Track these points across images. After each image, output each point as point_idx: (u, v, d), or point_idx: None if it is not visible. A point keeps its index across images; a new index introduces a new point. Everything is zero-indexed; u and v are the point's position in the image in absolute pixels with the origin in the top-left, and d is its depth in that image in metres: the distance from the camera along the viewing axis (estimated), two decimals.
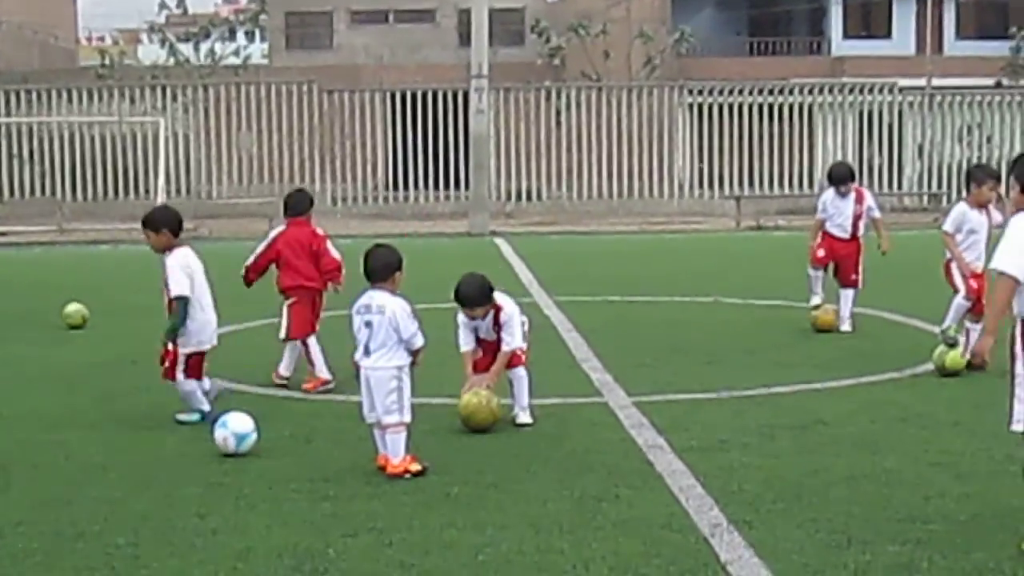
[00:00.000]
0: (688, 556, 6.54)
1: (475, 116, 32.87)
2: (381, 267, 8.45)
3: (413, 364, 8.42)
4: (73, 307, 15.43)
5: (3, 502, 7.81)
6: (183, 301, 9.91)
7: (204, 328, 10.08)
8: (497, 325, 9.69)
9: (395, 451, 8.25)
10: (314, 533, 7.02)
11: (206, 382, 10.15)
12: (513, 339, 9.67)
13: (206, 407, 10.01)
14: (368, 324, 8.31)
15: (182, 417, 10.01)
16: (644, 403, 10.37)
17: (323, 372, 11.33)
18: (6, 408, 10.78)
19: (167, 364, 9.91)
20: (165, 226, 10.04)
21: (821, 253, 14.57)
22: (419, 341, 8.40)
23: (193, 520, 7.33)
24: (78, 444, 9.34)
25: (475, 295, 9.61)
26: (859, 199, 14.56)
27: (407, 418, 8.31)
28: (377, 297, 8.35)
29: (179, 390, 9.96)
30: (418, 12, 60.62)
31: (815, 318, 14.28)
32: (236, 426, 8.93)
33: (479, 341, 9.85)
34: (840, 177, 14.69)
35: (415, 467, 8.21)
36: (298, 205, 11.89)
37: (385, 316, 8.29)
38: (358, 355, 8.39)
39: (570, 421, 9.83)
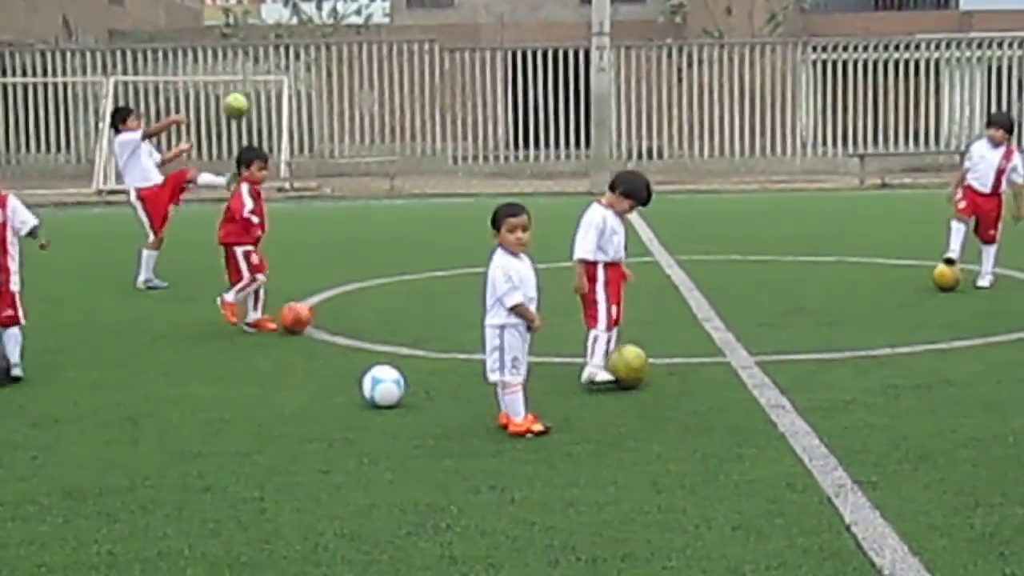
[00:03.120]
0: (812, 516, 6.50)
1: (596, 74, 32.71)
2: (492, 221, 8.44)
3: (530, 329, 8.38)
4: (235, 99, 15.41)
5: (133, 455, 7.96)
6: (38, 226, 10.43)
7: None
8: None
9: (514, 410, 8.26)
10: (436, 490, 7.06)
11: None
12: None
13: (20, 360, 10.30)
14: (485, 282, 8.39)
15: (19, 373, 10.16)
16: (766, 363, 10.30)
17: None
18: (135, 364, 10.98)
19: (12, 310, 10.23)
20: None
21: (963, 204, 14.40)
22: (509, 300, 8.26)
23: (317, 475, 7.42)
24: (204, 399, 9.49)
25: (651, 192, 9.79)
26: (1007, 156, 14.35)
27: (508, 377, 8.28)
28: (494, 254, 8.40)
29: (15, 337, 10.24)
30: None
31: (937, 273, 14.07)
32: (378, 371, 9.11)
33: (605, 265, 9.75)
34: (998, 120, 14.59)
35: (537, 427, 8.21)
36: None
37: (489, 274, 8.35)
38: None
39: (692, 380, 9.80)
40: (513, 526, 6.43)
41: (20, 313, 10.24)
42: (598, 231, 9.59)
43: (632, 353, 9.55)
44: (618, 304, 9.74)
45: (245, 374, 10.45)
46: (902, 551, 5.97)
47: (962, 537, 6.15)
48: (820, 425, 8.28)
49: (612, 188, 9.72)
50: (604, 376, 9.50)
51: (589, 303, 9.69)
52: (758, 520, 6.44)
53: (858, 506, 6.63)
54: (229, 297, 12.31)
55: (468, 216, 24.20)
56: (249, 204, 12.39)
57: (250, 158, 12.65)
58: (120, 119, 16.24)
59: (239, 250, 12.42)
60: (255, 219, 12.43)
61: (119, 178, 33.45)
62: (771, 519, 6.46)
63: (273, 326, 12.40)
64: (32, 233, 10.33)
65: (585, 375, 9.58)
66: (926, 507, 6.59)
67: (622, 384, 9.48)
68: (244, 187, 12.51)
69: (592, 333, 9.61)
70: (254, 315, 12.51)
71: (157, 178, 15.86)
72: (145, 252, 15.62)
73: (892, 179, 33.58)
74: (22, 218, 10.26)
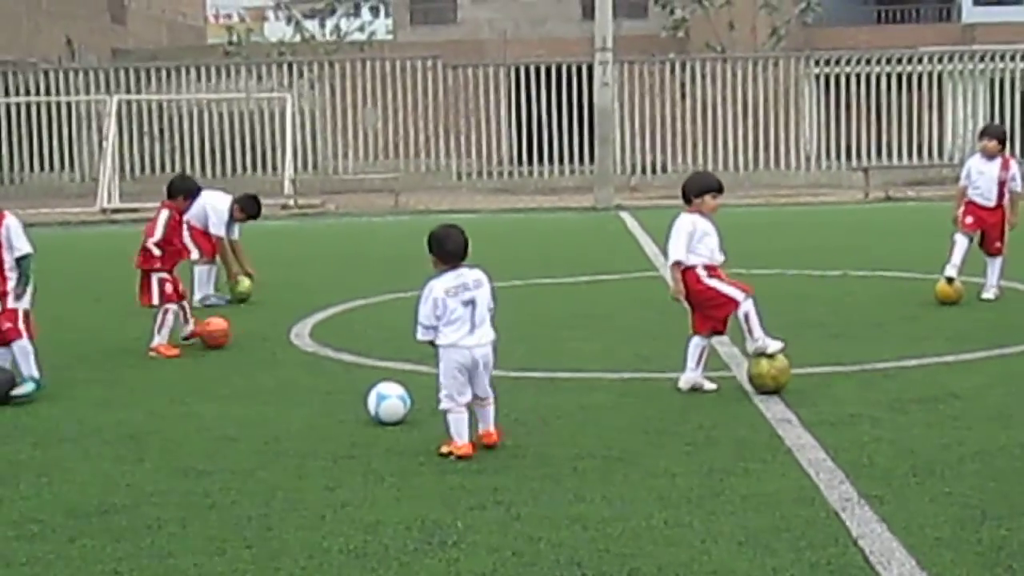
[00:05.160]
0: (818, 531, 6.47)
1: (599, 90, 32.75)
2: (465, 248, 8.32)
3: None
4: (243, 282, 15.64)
5: (138, 473, 7.94)
6: (30, 258, 10.21)
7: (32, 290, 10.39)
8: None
9: (491, 421, 8.33)
10: (442, 506, 7.05)
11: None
12: None
13: (37, 372, 10.18)
14: (471, 302, 8.17)
15: (21, 391, 10.04)
16: None
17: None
18: (139, 382, 10.97)
19: (9, 323, 10.12)
20: None
21: (969, 220, 14.31)
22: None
23: (323, 492, 7.40)
24: (208, 416, 9.48)
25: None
26: (1005, 166, 14.31)
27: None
28: (468, 274, 8.25)
29: (20, 351, 10.13)
30: None
31: (937, 290, 14.03)
32: (383, 387, 9.08)
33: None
34: (990, 131, 14.53)
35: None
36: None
37: (484, 289, 8.25)
38: (457, 336, 8.15)
39: (697, 395, 9.77)
40: (519, 542, 6.41)
41: (22, 327, 10.15)
42: (688, 234, 9.74)
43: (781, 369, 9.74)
44: (733, 283, 9.89)
45: (249, 391, 10.43)
46: (909, 565, 5.94)
47: (970, 551, 6.12)
48: (826, 439, 8.25)
49: (687, 199, 9.91)
50: (776, 345, 9.71)
51: (703, 303, 9.83)
52: (765, 534, 6.42)
53: (865, 520, 6.61)
54: (155, 342, 12.28)
55: (473, 232, 24.17)
56: (158, 234, 12.44)
57: (177, 192, 12.80)
58: (240, 207, 15.81)
59: (155, 277, 12.43)
60: (157, 251, 12.42)
61: (123, 196, 33.64)
62: (778, 533, 6.44)
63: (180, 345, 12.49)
64: (21, 267, 10.14)
65: (753, 348, 9.77)
66: (933, 521, 6.56)
67: (758, 381, 9.67)
68: (164, 215, 12.61)
69: (740, 311, 9.75)
70: (188, 328, 12.62)
71: (220, 232, 15.62)
72: (197, 269, 15.55)
73: (896, 192, 33.60)
74: (16, 243, 10.12)
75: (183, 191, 12.84)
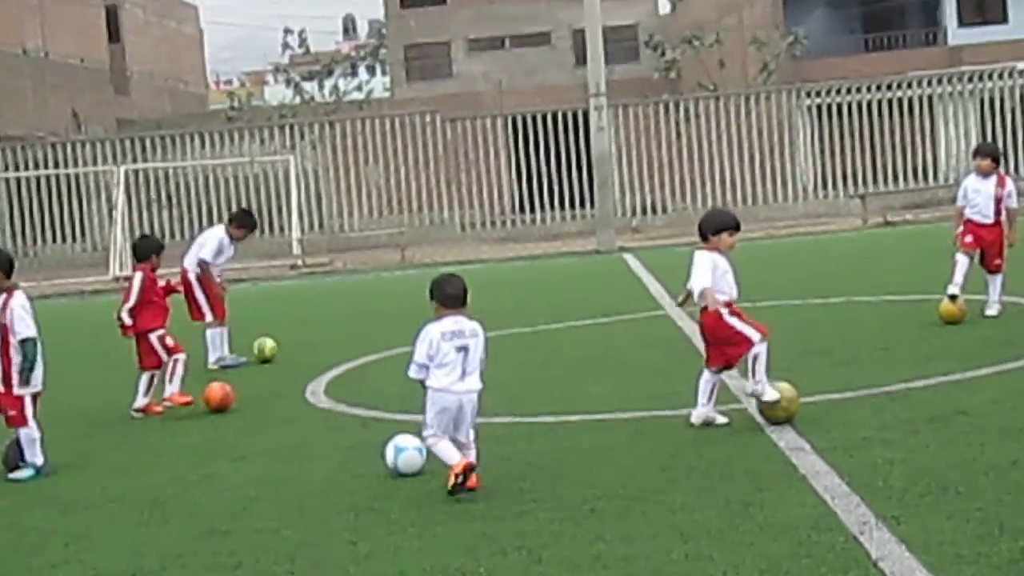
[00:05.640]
0: (838, 555, 6.53)
1: (596, 134, 32.93)
2: (465, 292, 8.56)
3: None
4: (268, 344, 15.77)
5: (163, 536, 8.02)
6: (33, 341, 9.95)
7: (42, 368, 10.13)
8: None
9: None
10: (465, 553, 7.11)
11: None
12: None
13: (40, 460, 10.05)
14: (464, 349, 8.40)
15: (17, 475, 9.97)
16: None
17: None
18: (160, 446, 11.04)
19: (13, 411, 9.94)
20: None
21: (969, 238, 14.41)
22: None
23: (346, 546, 7.47)
24: (230, 477, 9.55)
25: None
26: (1000, 183, 14.42)
27: None
28: (465, 322, 8.47)
29: (25, 438, 10.00)
30: (533, 36, 60.94)
31: (941, 309, 14.12)
32: (400, 439, 9.15)
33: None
34: (984, 150, 14.63)
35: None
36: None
37: (479, 340, 8.47)
38: (448, 381, 8.38)
39: (710, 429, 9.83)
40: None
41: (28, 414, 9.95)
42: (711, 267, 9.78)
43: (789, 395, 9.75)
44: (751, 323, 9.89)
45: (268, 450, 10.51)
46: None
47: (989, 564, 6.18)
48: (840, 464, 8.32)
49: (703, 236, 9.98)
50: (771, 396, 9.68)
51: (721, 340, 9.85)
52: (785, 562, 6.48)
53: (884, 541, 6.66)
54: (170, 390, 12.43)
55: (479, 281, 24.28)
56: (132, 300, 12.57)
57: (149, 252, 12.96)
58: (236, 224, 16.13)
59: (153, 336, 12.55)
60: (128, 320, 12.54)
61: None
62: (798, 560, 6.50)
63: (159, 409, 12.50)
64: (24, 351, 9.88)
65: (751, 390, 9.79)
66: (951, 538, 6.62)
67: (769, 412, 9.70)
68: (137, 277, 12.77)
69: (751, 352, 9.73)
70: (143, 400, 12.54)
71: (208, 258, 15.67)
72: (209, 332, 15.60)
73: (894, 216, 33.69)
74: (17, 327, 9.87)
75: (151, 250, 13.00)
